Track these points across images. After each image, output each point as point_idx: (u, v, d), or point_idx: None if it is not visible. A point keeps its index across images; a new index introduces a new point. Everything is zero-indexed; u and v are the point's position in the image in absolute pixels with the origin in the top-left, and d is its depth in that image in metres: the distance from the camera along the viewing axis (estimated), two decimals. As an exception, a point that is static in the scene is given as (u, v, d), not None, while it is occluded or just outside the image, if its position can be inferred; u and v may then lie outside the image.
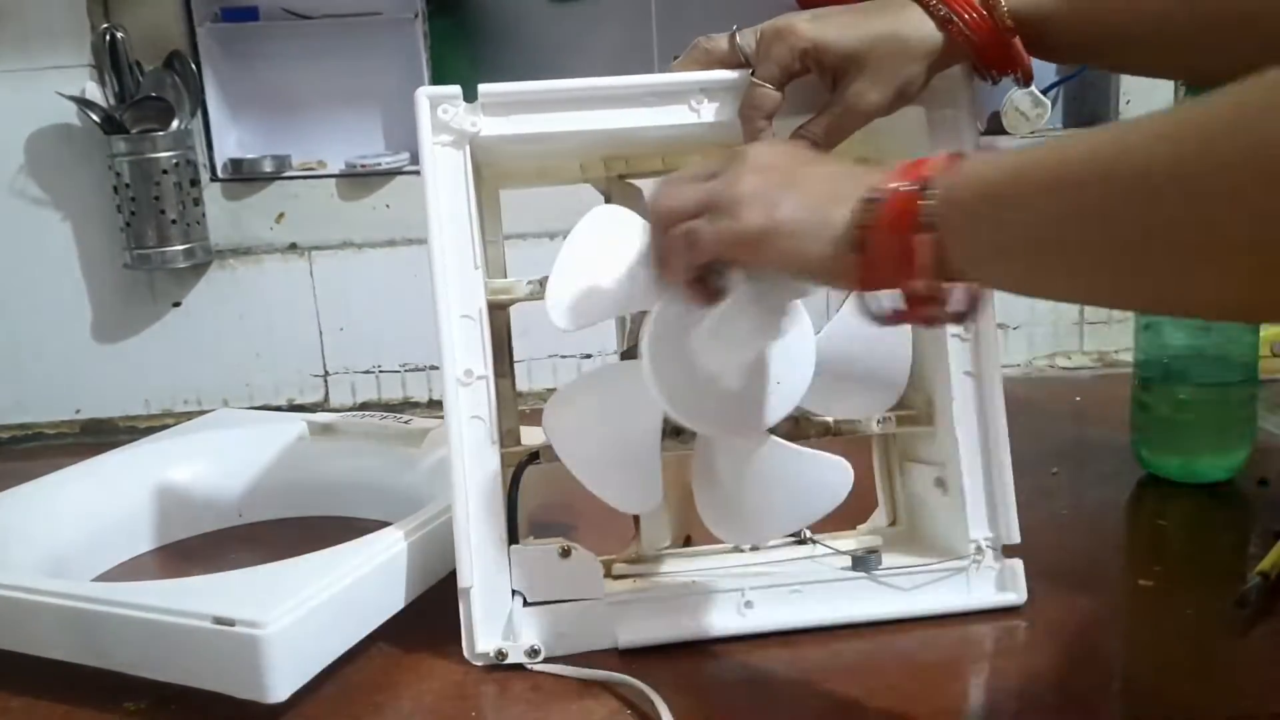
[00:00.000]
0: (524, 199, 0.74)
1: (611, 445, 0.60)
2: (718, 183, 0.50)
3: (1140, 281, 0.39)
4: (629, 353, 0.63)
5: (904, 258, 0.44)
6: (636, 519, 0.67)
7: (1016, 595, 0.64)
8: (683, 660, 0.60)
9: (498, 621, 0.60)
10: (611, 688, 0.57)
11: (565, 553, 0.61)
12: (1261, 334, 0.80)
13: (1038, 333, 1.17)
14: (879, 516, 0.72)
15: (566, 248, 0.57)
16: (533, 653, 0.60)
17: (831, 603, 0.63)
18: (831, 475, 0.62)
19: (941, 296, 0.45)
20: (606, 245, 0.55)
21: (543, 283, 0.61)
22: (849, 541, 0.69)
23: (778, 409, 0.58)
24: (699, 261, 0.51)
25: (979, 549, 0.64)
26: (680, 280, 0.52)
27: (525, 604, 0.60)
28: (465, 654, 0.60)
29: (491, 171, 0.67)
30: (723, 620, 0.62)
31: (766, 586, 0.63)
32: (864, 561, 0.64)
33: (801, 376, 0.58)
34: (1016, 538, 0.64)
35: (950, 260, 0.43)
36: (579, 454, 0.59)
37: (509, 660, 0.60)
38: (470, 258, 0.61)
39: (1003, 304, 1.14)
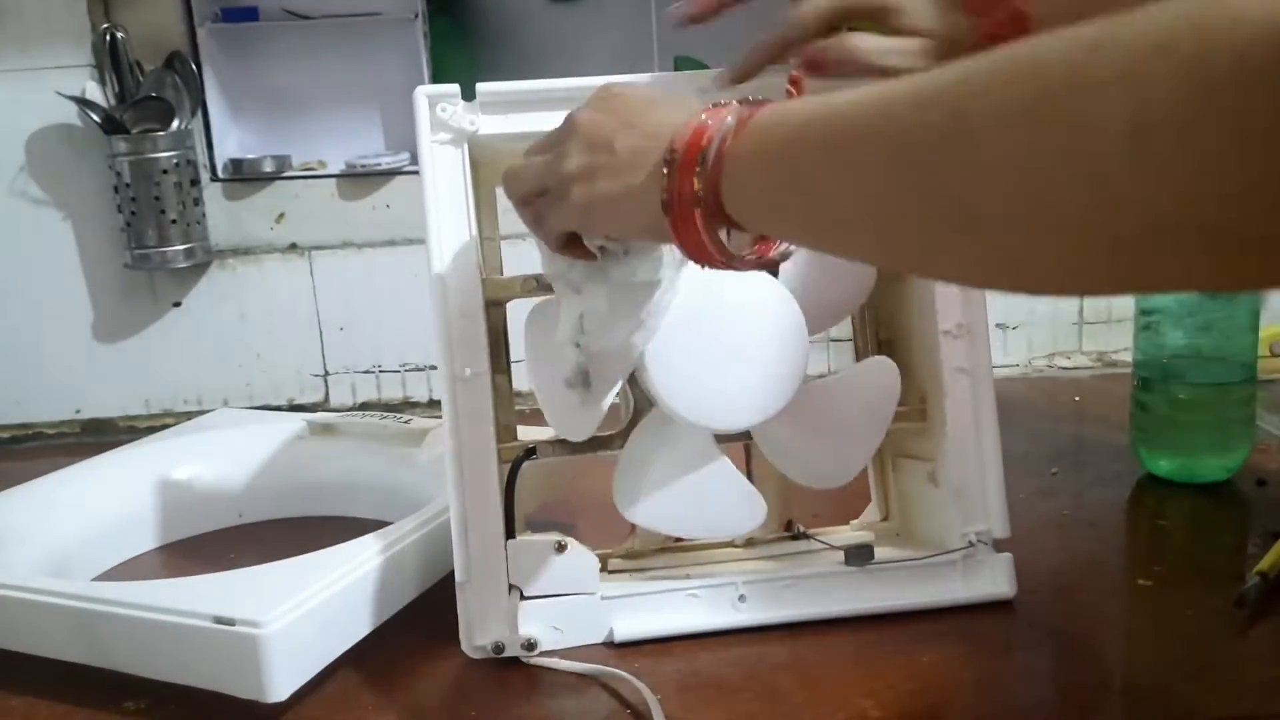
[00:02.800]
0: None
1: (691, 493, 0.62)
2: (551, 159, 0.51)
3: (902, 243, 0.38)
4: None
5: (689, 215, 0.44)
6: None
7: (1007, 589, 0.64)
8: (677, 653, 0.60)
9: (495, 615, 0.60)
10: (606, 681, 0.57)
11: (561, 548, 0.61)
12: (1260, 334, 0.80)
13: (1037, 333, 1.17)
14: (872, 512, 0.73)
15: (531, 370, 0.60)
16: (529, 646, 0.60)
17: (825, 597, 0.63)
18: (880, 378, 0.64)
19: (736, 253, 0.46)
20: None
21: (539, 280, 0.61)
22: (842, 536, 0.69)
23: (789, 374, 0.60)
24: (551, 237, 0.52)
25: (970, 543, 0.64)
26: (554, 248, 0.53)
27: (522, 598, 0.60)
28: (463, 647, 0.60)
29: (489, 170, 0.67)
30: (717, 614, 0.62)
31: (760, 581, 0.63)
32: (857, 556, 0.64)
33: (796, 349, 0.60)
34: (1007, 532, 0.65)
35: (731, 214, 0.44)
36: (679, 521, 0.63)
37: (506, 653, 0.60)
38: (468, 255, 0.61)
39: (1003, 304, 1.14)
